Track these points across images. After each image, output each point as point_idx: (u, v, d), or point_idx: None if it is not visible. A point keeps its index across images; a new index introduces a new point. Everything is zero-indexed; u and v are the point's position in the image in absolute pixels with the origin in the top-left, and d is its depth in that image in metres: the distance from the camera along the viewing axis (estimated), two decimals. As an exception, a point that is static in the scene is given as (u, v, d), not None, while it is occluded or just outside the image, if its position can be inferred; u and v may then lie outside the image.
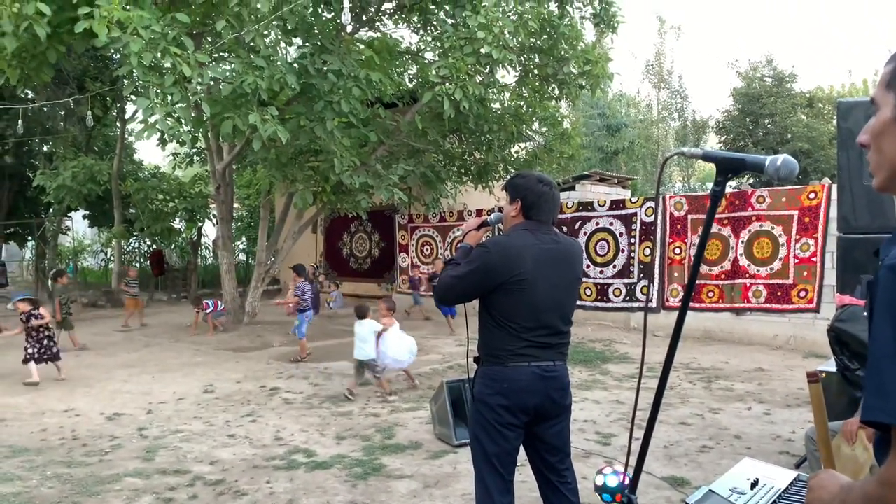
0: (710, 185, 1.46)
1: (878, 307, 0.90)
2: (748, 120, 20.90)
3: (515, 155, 12.81)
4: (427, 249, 13.44)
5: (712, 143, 24.27)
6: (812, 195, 8.89)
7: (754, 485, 1.82)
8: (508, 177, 6.80)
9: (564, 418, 2.71)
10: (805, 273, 8.88)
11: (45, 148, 17.83)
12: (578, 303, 10.78)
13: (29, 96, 14.63)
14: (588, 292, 10.99)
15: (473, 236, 2.83)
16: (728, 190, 9.88)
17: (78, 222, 20.27)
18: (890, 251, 0.96)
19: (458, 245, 2.84)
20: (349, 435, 5.18)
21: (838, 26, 50.40)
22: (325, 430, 5.31)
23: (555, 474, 2.71)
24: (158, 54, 7.03)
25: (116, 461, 4.61)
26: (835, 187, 6.82)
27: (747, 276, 9.36)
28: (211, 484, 4.19)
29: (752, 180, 16.74)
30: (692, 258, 9.77)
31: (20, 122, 10.54)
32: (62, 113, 16.70)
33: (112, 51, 8.29)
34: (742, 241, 9.39)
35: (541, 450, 2.71)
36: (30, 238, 19.48)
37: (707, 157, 1.45)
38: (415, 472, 4.35)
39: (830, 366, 3.89)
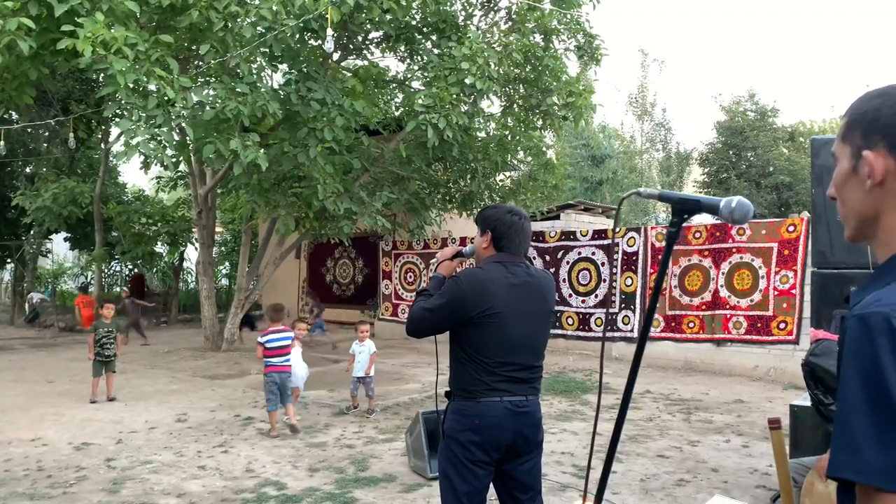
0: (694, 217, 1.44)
1: (846, 359, 0.86)
2: (731, 153, 21.21)
3: (500, 183, 12.84)
4: (410, 276, 13.39)
5: (696, 174, 24.55)
6: (791, 228, 8.98)
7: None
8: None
9: (536, 455, 2.66)
10: (785, 305, 8.92)
11: (27, 169, 17.69)
12: (560, 332, 10.93)
13: (13, 117, 14.55)
14: (570, 321, 10.97)
15: (447, 266, 2.81)
16: (710, 221, 9.96)
17: (58, 245, 20.03)
18: (860, 299, 0.93)
19: (431, 275, 2.81)
20: (322, 467, 5.07)
21: (820, 62, 51.60)
22: (297, 462, 5.20)
23: (525, 512, 2.65)
24: (143, 76, 7.00)
25: (81, 493, 4.47)
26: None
27: (728, 307, 9.39)
28: (177, 518, 4.07)
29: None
30: (673, 288, 9.80)
31: (2, 143, 10.43)
32: (46, 134, 16.60)
33: (96, 73, 8.26)
34: (723, 273, 9.44)
35: (511, 487, 2.64)
36: (9, 260, 19.19)
37: (663, 198, 1.41)
38: (387, 506, 4.25)
39: (806, 400, 3.87)
